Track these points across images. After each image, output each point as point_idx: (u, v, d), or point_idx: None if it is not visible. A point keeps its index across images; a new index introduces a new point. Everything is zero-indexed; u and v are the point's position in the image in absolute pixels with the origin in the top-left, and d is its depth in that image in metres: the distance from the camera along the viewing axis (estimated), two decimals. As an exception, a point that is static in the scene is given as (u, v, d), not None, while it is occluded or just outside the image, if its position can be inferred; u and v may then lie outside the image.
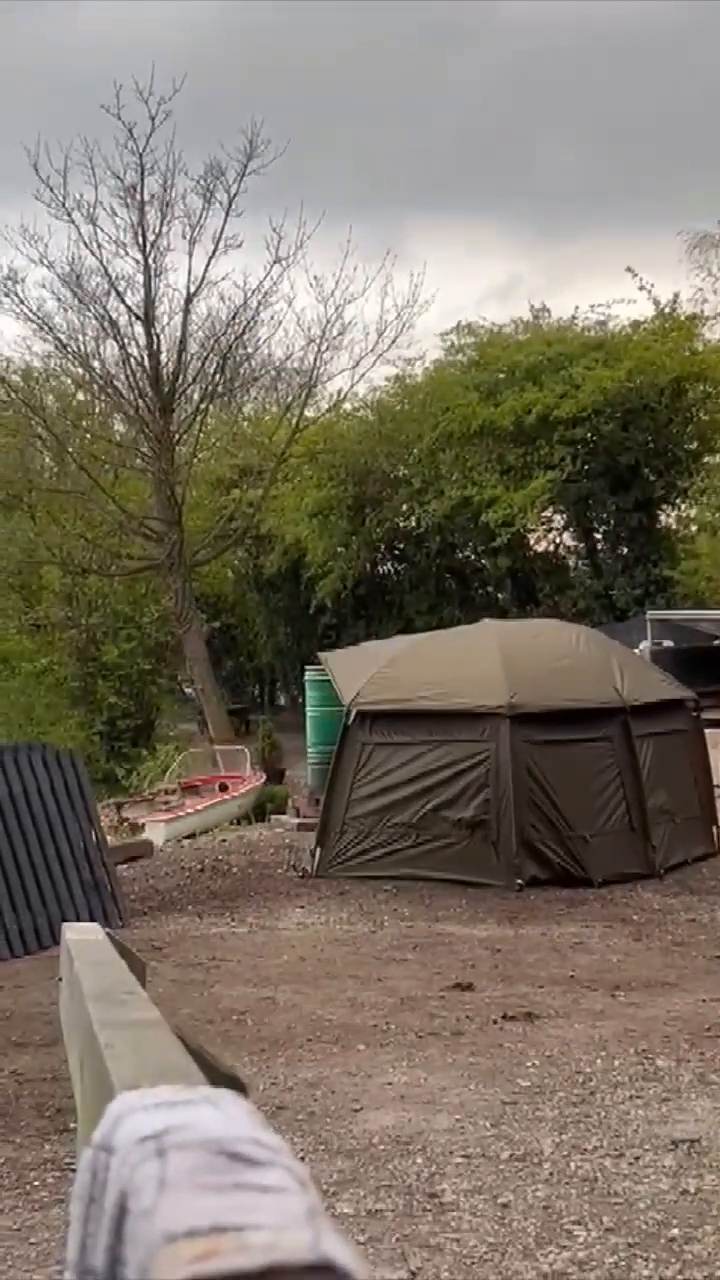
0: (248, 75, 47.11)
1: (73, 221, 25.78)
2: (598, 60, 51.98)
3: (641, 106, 52.03)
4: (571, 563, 30.49)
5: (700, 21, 51.46)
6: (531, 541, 29.88)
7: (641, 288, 27.79)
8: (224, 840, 15.75)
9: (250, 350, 28.35)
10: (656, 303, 27.93)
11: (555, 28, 51.22)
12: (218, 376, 27.65)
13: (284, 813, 17.62)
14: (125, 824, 18.36)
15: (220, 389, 28.25)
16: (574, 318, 28.97)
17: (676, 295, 28.47)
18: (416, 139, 52.15)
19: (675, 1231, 5.04)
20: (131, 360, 26.84)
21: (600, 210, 52.90)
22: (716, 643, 22.18)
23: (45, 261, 26.14)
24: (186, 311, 26.61)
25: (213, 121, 25.53)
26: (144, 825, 18.02)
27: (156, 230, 25.95)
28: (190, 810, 19.24)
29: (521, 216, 54.30)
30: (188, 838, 17.07)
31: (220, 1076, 1.10)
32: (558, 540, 30.60)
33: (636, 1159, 5.82)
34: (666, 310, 27.83)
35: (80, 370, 28.40)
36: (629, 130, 53.02)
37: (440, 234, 53.43)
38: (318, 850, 12.72)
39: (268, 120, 39.07)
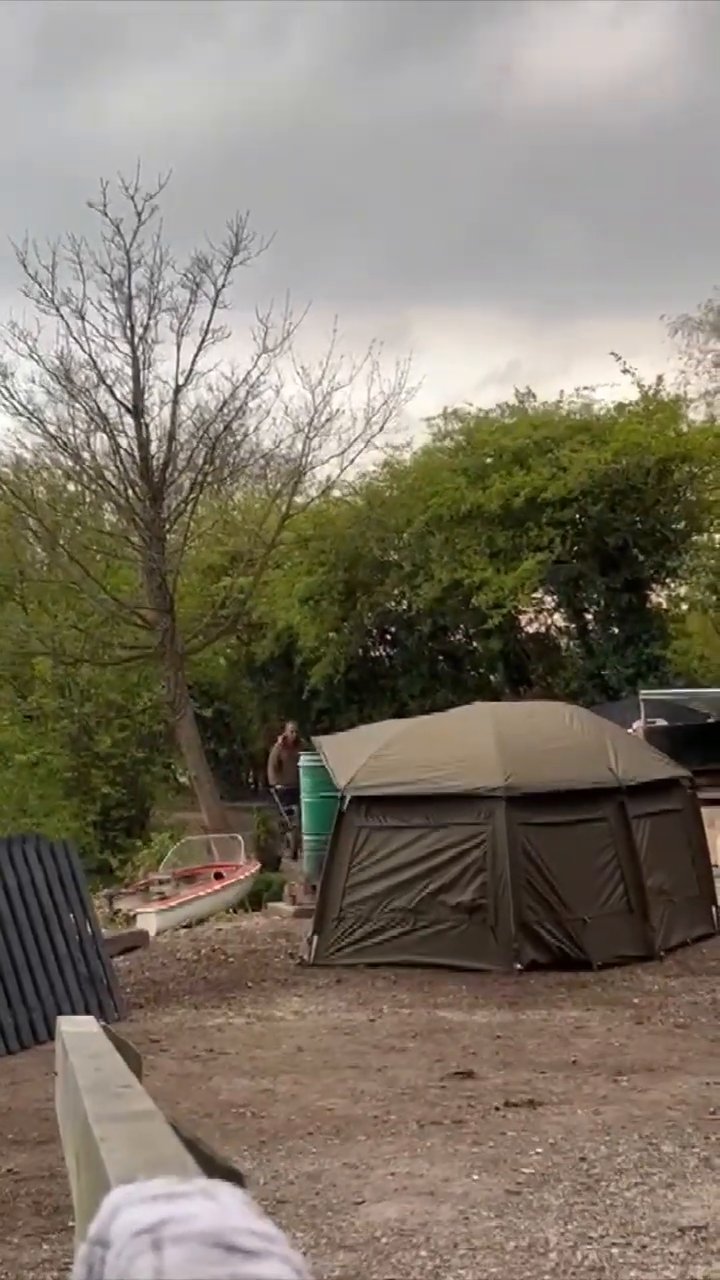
0: (249, 166, 48.05)
1: (61, 316, 26.05)
2: (599, 152, 53.12)
3: (634, 198, 53.08)
4: (563, 643, 30.55)
5: (697, 113, 52.66)
6: (523, 623, 29.96)
7: (625, 371, 28.13)
8: (220, 929, 15.63)
9: (239, 439, 28.57)
10: (640, 385, 28.27)
11: (559, 121, 52.35)
12: (207, 465, 27.81)
13: (281, 900, 17.50)
14: (118, 915, 18.22)
15: (210, 477, 28.40)
16: (559, 401, 29.29)
17: (660, 378, 28.82)
18: (419, 229, 53.13)
19: (685, 1321, 4.95)
20: (121, 451, 27.02)
21: (596, 297, 53.80)
22: (710, 720, 22.21)
23: (34, 355, 26.38)
24: (175, 402, 26.82)
25: (215, 212, 26.09)
26: (136, 916, 17.88)
27: (144, 323, 26.23)
28: (185, 899, 19.11)
29: (521, 304, 55.18)
30: (184, 927, 16.93)
31: (216, 1168, 1.09)
32: (549, 621, 30.69)
33: (644, 1247, 5.73)
34: (650, 393, 28.16)
35: (70, 462, 28.58)
36: (623, 219, 54.03)
37: (442, 323, 54.23)
38: (315, 938, 12.62)
39: (270, 212, 39.93)
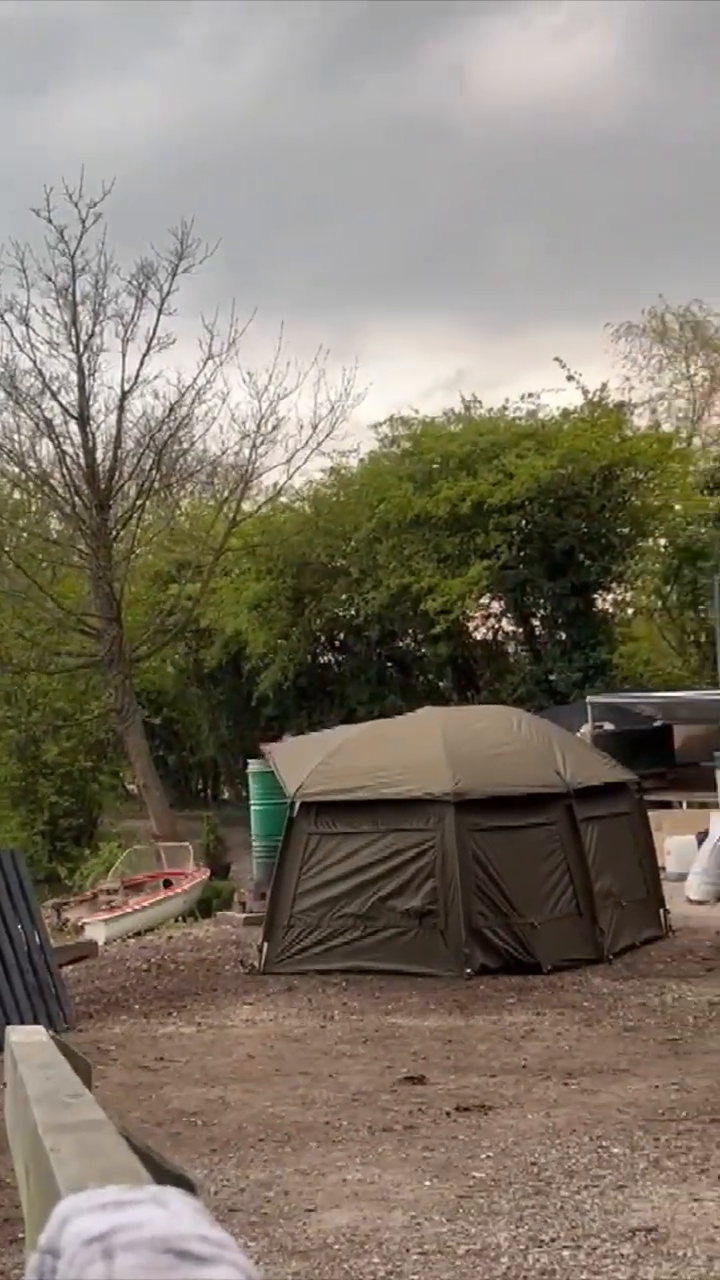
0: (201, 175, 48.02)
1: (4, 322, 25.95)
2: (550, 161, 53.46)
3: (584, 206, 53.42)
4: (511, 648, 30.67)
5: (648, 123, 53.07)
6: (471, 628, 30.07)
7: (570, 377, 28.28)
8: (170, 937, 15.57)
9: (186, 446, 28.52)
10: (585, 392, 28.44)
11: (511, 131, 52.63)
12: (154, 472, 27.76)
13: (230, 908, 17.46)
14: (67, 925, 18.12)
15: (156, 484, 28.35)
16: (504, 408, 29.41)
17: (605, 384, 29.01)
18: (371, 238, 53.31)
19: (636, 1322, 4.98)
20: (67, 458, 26.93)
21: (546, 306, 54.15)
22: (657, 724, 22.36)
23: (-23, 363, 26.23)
24: (121, 409, 26.76)
25: (167, 221, 26.08)
26: (85, 926, 17.79)
27: (90, 330, 26.16)
28: (133, 908, 19.04)
29: (471, 313, 55.45)
30: (133, 936, 16.86)
31: (167, 1175, 1.09)
32: (497, 626, 30.82)
33: (594, 1249, 5.76)
34: (595, 399, 28.33)
35: (15, 469, 28.43)
36: (573, 228, 54.39)
37: (393, 331, 54.40)
38: (265, 945, 12.60)
39: (222, 221, 39.91)
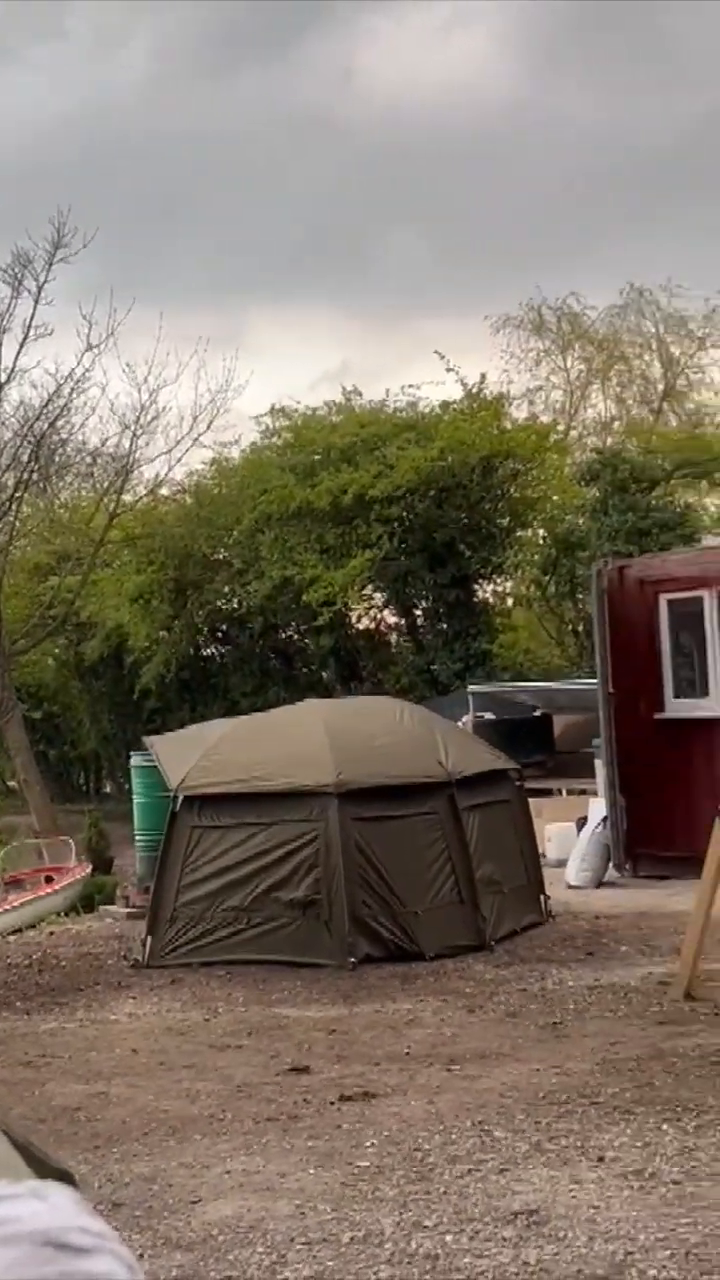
0: (85, 167, 47.51)
1: None
2: (432, 156, 53.63)
3: (465, 200, 53.70)
4: (393, 639, 30.82)
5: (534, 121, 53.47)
6: (353, 619, 30.15)
7: (450, 370, 28.46)
8: (52, 933, 15.42)
9: (65, 436, 28.24)
10: (464, 384, 28.64)
11: (394, 126, 52.73)
12: (32, 463, 27.45)
13: (113, 903, 17.33)
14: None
15: (35, 475, 28.04)
16: (385, 400, 29.51)
17: (483, 376, 29.24)
18: (257, 231, 53.09)
19: (517, 1302, 5.06)
20: (-57, 449, 26.53)
21: (428, 298, 54.42)
22: (536, 713, 22.63)
23: None
24: (-2, 399, 26.42)
25: (49, 212, 25.88)
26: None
27: (-36, 319, 25.76)
28: (14, 905, 18.80)
29: (356, 305, 55.54)
30: (13, 933, 16.66)
31: (48, 1169, 1.10)
32: (379, 618, 30.95)
33: (477, 1233, 5.84)
34: (474, 391, 28.55)
35: None
36: (455, 221, 54.68)
37: (278, 324, 54.30)
38: (148, 939, 12.54)
39: (107, 213, 39.62)
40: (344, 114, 53.04)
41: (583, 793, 18.64)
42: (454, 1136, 7.15)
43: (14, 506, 27.87)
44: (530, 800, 14.65)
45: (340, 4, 53.68)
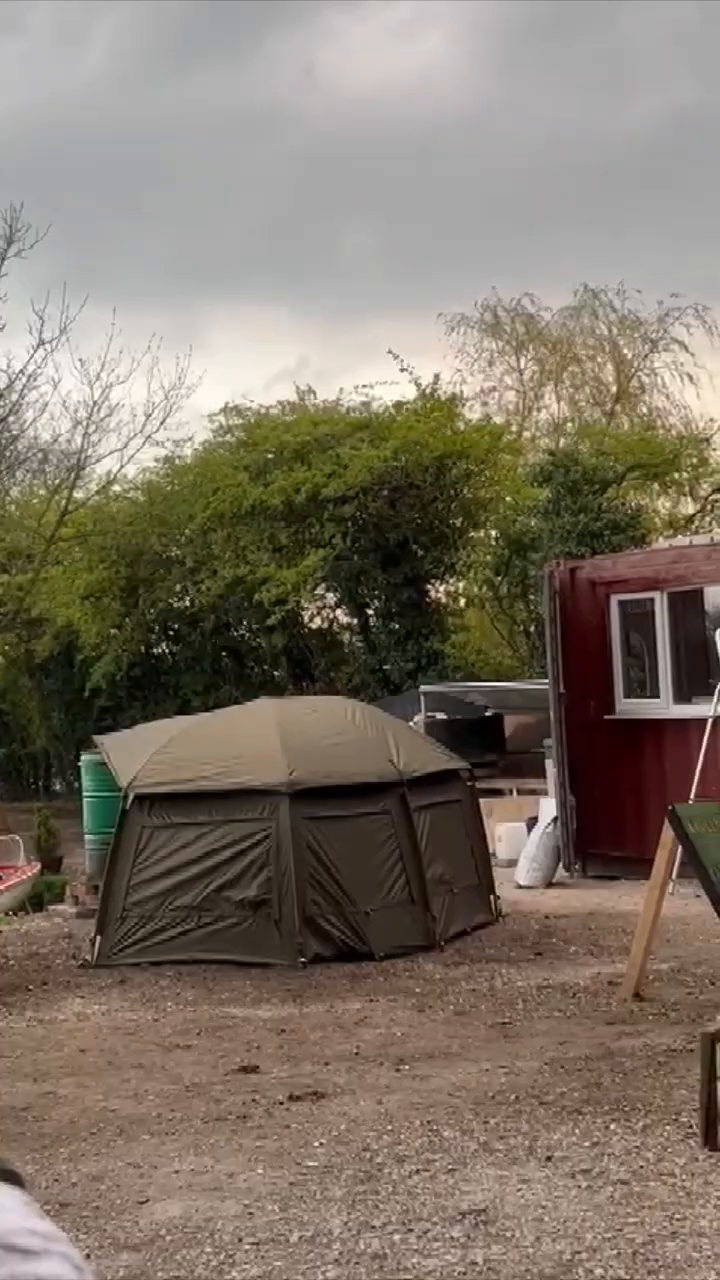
0: (43, 163, 47.22)
1: None
2: (391, 156, 53.60)
3: (423, 200, 53.71)
4: (346, 638, 30.81)
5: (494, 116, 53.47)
6: (306, 619, 30.12)
7: (403, 369, 28.46)
8: (0, 932, 15.33)
9: (15, 433, 28.05)
10: (418, 384, 28.66)
11: (354, 125, 52.67)
12: (-17, 460, 27.27)
13: (62, 902, 17.25)
14: None
15: (-15, 472, 27.85)
16: (338, 400, 29.49)
17: (437, 376, 29.27)
18: (214, 228, 52.89)
19: (465, 1301, 5.07)
20: None
21: (385, 297, 54.31)
22: (487, 713, 22.70)
23: None
24: (-52, 395, 26.21)
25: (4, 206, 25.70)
26: None
27: None
28: (-37, 904, 18.66)
29: (313, 303, 55.41)
30: (-38, 932, 16.54)
31: (-6, 1171, 1.09)
32: (332, 617, 30.93)
33: (425, 1233, 5.85)
34: (428, 391, 28.57)
35: None
36: (412, 221, 54.67)
37: (235, 321, 54.07)
38: (98, 938, 12.49)
39: (63, 209, 39.28)
40: (301, 112, 52.98)
41: (533, 793, 18.71)
42: (402, 1136, 7.16)
43: (-36, 502, 27.69)
44: (481, 800, 14.70)
45: (301, 3, 53.58)
